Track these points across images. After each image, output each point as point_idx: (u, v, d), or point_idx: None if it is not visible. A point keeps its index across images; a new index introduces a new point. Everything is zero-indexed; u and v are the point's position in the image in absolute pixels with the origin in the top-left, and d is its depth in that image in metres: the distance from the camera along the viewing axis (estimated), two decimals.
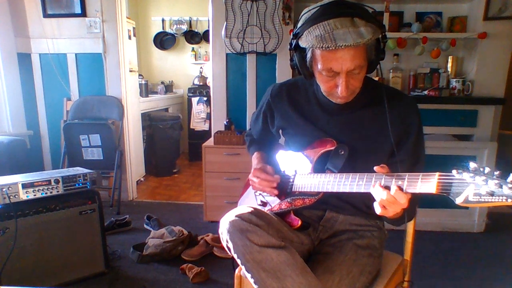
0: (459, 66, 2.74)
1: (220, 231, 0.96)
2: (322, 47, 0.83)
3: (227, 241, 0.92)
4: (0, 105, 2.83)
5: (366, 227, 1.13)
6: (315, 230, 1.14)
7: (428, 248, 2.32)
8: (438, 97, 2.49)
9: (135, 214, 2.73)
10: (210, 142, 2.65)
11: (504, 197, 0.62)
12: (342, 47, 0.82)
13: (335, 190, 0.94)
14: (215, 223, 2.59)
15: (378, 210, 0.83)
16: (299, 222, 1.05)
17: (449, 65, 2.72)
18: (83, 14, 2.88)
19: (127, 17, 3.23)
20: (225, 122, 2.75)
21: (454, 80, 2.60)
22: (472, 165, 0.67)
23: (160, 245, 2.09)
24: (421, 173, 0.76)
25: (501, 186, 0.63)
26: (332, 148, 1.01)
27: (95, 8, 2.86)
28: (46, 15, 2.91)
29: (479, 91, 2.61)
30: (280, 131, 1.22)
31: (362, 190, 0.87)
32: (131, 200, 3.19)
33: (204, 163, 2.52)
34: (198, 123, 4.53)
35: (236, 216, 0.92)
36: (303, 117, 1.10)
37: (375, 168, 0.84)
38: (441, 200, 2.71)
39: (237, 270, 1.19)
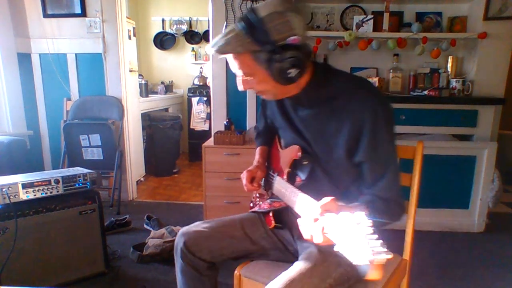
0: (459, 66, 2.74)
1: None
2: (210, 48, 0.91)
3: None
4: (0, 105, 2.83)
5: None
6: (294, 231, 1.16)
7: (428, 248, 2.32)
8: (438, 97, 2.49)
9: (135, 214, 2.73)
10: (210, 142, 2.65)
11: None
12: (209, 51, 0.89)
13: (287, 204, 1.04)
14: None
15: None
16: (272, 224, 1.13)
17: (449, 65, 2.72)
18: (83, 14, 2.88)
19: (127, 17, 3.23)
20: (225, 122, 2.74)
21: (454, 80, 2.60)
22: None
23: (160, 245, 2.09)
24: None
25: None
26: (297, 158, 1.04)
27: (95, 8, 2.86)
28: (46, 15, 2.91)
29: (479, 91, 2.61)
30: (272, 123, 1.26)
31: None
32: (131, 200, 3.19)
33: (204, 163, 2.52)
34: (198, 123, 4.53)
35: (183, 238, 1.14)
36: (281, 111, 1.12)
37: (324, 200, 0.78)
38: (441, 200, 2.72)
39: (236, 270, 1.19)
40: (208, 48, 0.89)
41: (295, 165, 1.07)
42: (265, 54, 0.85)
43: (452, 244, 2.39)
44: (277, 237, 1.19)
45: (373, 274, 0.62)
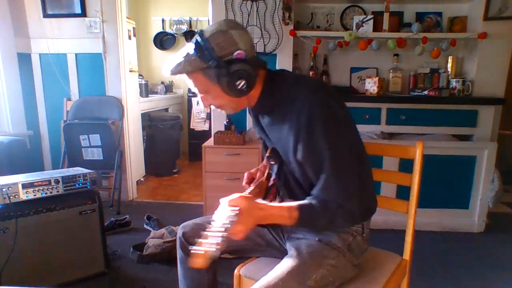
0: (459, 66, 2.75)
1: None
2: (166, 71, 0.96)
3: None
4: (0, 105, 2.83)
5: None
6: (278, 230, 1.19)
7: (428, 248, 2.32)
8: (438, 97, 2.49)
9: (135, 214, 2.73)
10: (210, 142, 2.64)
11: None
12: (165, 73, 0.95)
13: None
14: None
15: None
16: None
17: (449, 65, 2.72)
18: (83, 14, 2.88)
19: (127, 17, 3.23)
20: (225, 122, 2.74)
21: (454, 80, 2.60)
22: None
23: (160, 245, 2.09)
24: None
25: None
26: (268, 155, 1.10)
27: (95, 8, 2.86)
28: (46, 15, 2.91)
29: (479, 91, 2.61)
30: None
31: None
32: (131, 200, 3.19)
33: (204, 163, 2.52)
34: (198, 123, 4.52)
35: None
36: (255, 120, 1.15)
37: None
38: (441, 200, 2.72)
39: (236, 270, 1.19)
40: (164, 71, 0.95)
41: (270, 166, 1.13)
42: (213, 70, 0.91)
43: (452, 244, 2.39)
44: (272, 234, 1.20)
45: (191, 261, 0.71)
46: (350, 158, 0.94)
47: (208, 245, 0.71)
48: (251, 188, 1.11)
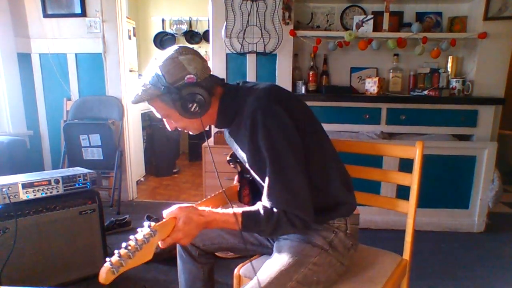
0: (459, 66, 2.75)
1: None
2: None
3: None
4: (0, 105, 2.83)
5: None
6: None
7: (428, 248, 2.32)
8: (438, 97, 2.49)
9: (135, 214, 2.73)
10: (210, 142, 2.65)
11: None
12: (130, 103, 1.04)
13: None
14: None
15: None
16: None
17: (449, 65, 2.72)
18: (83, 14, 2.88)
19: (127, 17, 3.23)
20: None
21: (454, 80, 2.60)
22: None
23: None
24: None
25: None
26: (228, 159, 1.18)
27: (95, 8, 2.86)
28: (46, 15, 2.91)
29: (479, 91, 2.61)
30: None
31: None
32: (131, 200, 3.19)
33: (204, 163, 2.52)
34: None
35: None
36: None
37: None
38: (441, 200, 2.72)
39: (236, 270, 1.19)
40: (130, 101, 1.02)
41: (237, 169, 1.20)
42: (167, 96, 0.96)
43: (452, 244, 2.39)
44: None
45: (99, 276, 0.73)
46: (295, 164, 0.93)
47: (118, 260, 0.73)
48: (213, 194, 1.17)
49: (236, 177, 1.29)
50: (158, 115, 1.05)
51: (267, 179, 0.93)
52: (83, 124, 2.92)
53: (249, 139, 0.95)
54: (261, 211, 0.93)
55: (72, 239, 1.79)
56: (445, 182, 2.52)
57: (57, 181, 1.73)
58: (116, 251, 0.75)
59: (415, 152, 1.17)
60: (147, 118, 3.96)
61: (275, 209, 0.92)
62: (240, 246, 1.22)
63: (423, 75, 2.72)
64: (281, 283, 0.92)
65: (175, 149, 4.19)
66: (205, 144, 2.56)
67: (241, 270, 1.18)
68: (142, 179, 3.75)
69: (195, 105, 0.96)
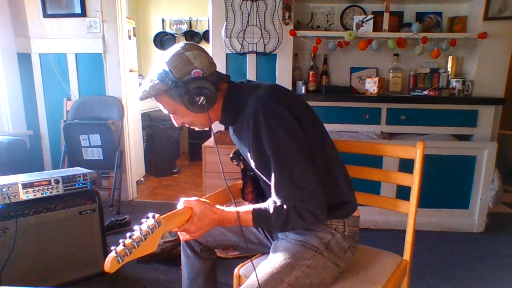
0: (459, 66, 2.75)
1: None
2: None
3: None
4: (0, 105, 2.83)
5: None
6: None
7: (428, 248, 2.32)
8: (438, 97, 2.49)
9: (135, 214, 2.73)
10: (210, 142, 2.65)
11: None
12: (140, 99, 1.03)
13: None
14: None
15: None
16: None
17: (449, 65, 2.72)
18: (83, 14, 2.88)
19: (127, 17, 3.23)
20: None
21: (454, 80, 2.60)
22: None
23: (160, 245, 2.09)
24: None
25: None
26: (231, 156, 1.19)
27: (95, 8, 2.86)
28: (46, 15, 2.91)
29: (479, 91, 2.61)
30: None
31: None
32: (131, 200, 3.19)
33: (204, 163, 2.52)
34: None
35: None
36: None
37: None
38: (441, 200, 2.71)
39: (236, 270, 1.19)
40: (137, 97, 1.04)
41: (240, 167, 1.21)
42: (174, 91, 0.97)
43: (452, 244, 2.39)
44: (264, 233, 1.21)
45: (104, 264, 0.76)
46: (301, 159, 0.93)
47: (123, 249, 0.75)
48: (217, 191, 1.20)
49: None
50: (165, 111, 1.06)
51: (273, 176, 0.93)
52: (83, 124, 2.92)
53: (253, 138, 0.96)
54: (271, 208, 0.94)
55: (72, 239, 1.79)
56: (445, 182, 2.52)
57: (57, 181, 1.73)
58: (121, 241, 0.76)
59: (416, 152, 1.17)
60: (147, 118, 3.96)
61: (284, 205, 0.92)
62: (241, 244, 1.23)
63: (423, 75, 2.72)
64: (273, 286, 0.93)
65: (175, 149, 4.19)
66: (205, 144, 2.56)
67: (241, 270, 1.19)
68: (142, 179, 3.75)
69: (202, 98, 0.97)
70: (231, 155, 1.18)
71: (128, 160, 3.14)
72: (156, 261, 2.08)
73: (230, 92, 1.05)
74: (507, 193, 3.17)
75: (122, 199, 2.98)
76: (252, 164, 1.02)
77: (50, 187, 1.71)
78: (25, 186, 1.64)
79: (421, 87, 2.67)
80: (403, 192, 1.26)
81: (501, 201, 2.81)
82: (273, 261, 0.99)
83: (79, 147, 2.89)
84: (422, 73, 2.73)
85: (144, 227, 0.79)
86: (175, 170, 4.11)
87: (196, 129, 1.13)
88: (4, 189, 1.58)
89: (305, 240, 1.02)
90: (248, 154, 1.02)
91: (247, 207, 0.97)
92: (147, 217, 0.82)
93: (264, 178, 1.01)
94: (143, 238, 0.77)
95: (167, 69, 0.96)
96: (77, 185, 1.79)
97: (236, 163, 1.17)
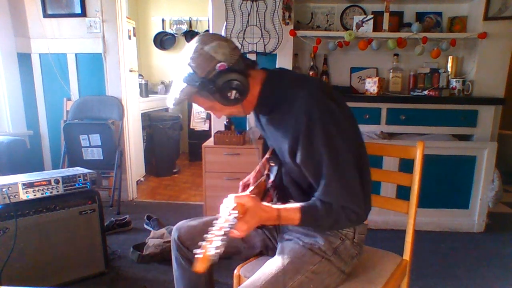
0: (459, 66, 2.75)
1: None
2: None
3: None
4: (0, 105, 2.83)
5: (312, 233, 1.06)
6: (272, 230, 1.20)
7: (428, 248, 2.32)
8: (438, 97, 2.49)
9: (135, 214, 2.73)
10: (210, 142, 2.65)
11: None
12: (169, 105, 1.00)
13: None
14: None
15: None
16: None
17: (449, 65, 2.72)
18: (83, 14, 2.88)
19: (127, 17, 3.23)
20: (225, 122, 2.74)
21: (454, 80, 2.60)
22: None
23: (160, 245, 2.09)
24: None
25: None
26: (268, 159, 1.12)
27: (95, 8, 2.86)
28: (46, 15, 2.91)
29: (479, 91, 2.61)
30: None
31: None
32: (131, 200, 3.19)
33: (204, 163, 2.52)
34: (198, 123, 4.53)
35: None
36: (257, 119, 1.17)
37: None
38: (441, 200, 2.71)
39: (236, 270, 1.19)
40: (167, 103, 1.00)
41: (269, 167, 1.13)
42: (204, 90, 0.93)
43: (452, 244, 2.39)
44: (266, 235, 1.20)
45: (195, 266, 0.70)
46: (350, 159, 0.93)
47: (210, 248, 0.71)
48: (251, 188, 1.11)
49: (255, 176, 1.25)
50: (200, 108, 1.05)
51: (325, 175, 0.92)
52: (83, 124, 2.92)
53: (305, 134, 0.92)
54: (320, 207, 0.92)
55: (72, 239, 1.79)
56: (445, 182, 2.52)
57: (57, 181, 1.73)
58: (211, 243, 0.72)
59: (416, 152, 1.17)
60: (147, 118, 3.96)
61: (334, 205, 0.92)
62: (242, 249, 1.20)
63: (423, 75, 2.72)
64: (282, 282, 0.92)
65: (175, 149, 4.19)
66: (205, 144, 2.56)
67: (241, 270, 1.18)
68: (142, 179, 3.75)
69: (234, 92, 0.93)
70: (268, 156, 1.11)
71: (128, 160, 3.14)
72: (156, 261, 2.08)
73: (269, 82, 1.01)
74: (507, 193, 3.17)
75: (122, 199, 2.98)
76: (298, 158, 0.96)
77: (50, 187, 1.71)
78: (25, 186, 1.64)
79: (421, 87, 2.67)
80: (403, 192, 1.26)
81: (501, 201, 2.80)
82: (279, 262, 0.98)
83: (79, 147, 2.89)
84: (422, 73, 2.73)
85: (227, 227, 0.76)
86: (175, 170, 4.11)
87: (236, 116, 1.09)
88: (4, 189, 1.58)
89: (314, 243, 1.01)
90: (287, 148, 0.97)
91: (291, 205, 0.94)
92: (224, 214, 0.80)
93: (307, 174, 0.98)
94: (226, 239, 0.75)
95: (191, 70, 0.92)
96: (77, 185, 1.79)
97: (273, 164, 1.10)
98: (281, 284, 0.93)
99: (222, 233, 0.74)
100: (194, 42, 0.95)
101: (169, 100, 0.98)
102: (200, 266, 0.70)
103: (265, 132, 1.11)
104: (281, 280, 0.93)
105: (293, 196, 1.06)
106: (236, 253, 1.22)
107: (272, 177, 1.10)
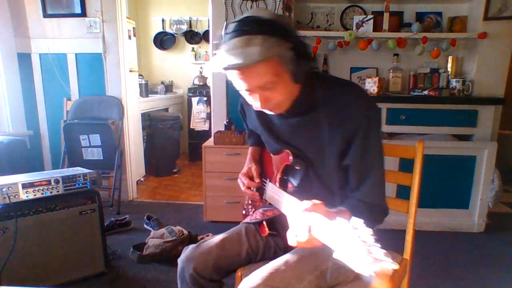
0: (459, 66, 2.75)
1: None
2: (221, 67, 0.81)
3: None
4: (0, 105, 2.83)
5: None
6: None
7: (428, 248, 2.32)
8: (438, 97, 2.49)
9: (135, 214, 2.73)
10: (210, 142, 2.65)
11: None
12: (234, 67, 0.80)
13: (280, 212, 1.01)
14: (215, 223, 2.59)
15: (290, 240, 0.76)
16: (266, 232, 1.13)
17: (449, 65, 2.72)
18: (83, 14, 2.88)
19: (127, 17, 3.23)
20: (225, 122, 2.74)
21: (454, 80, 2.60)
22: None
23: (160, 245, 2.09)
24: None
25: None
26: (289, 163, 1.02)
27: (95, 8, 2.86)
28: (46, 15, 2.91)
29: (479, 91, 2.61)
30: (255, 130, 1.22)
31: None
32: (131, 200, 3.19)
33: (204, 163, 2.52)
34: (198, 123, 4.53)
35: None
36: (261, 121, 1.09)
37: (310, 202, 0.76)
38: (441, 200, 2.71)
39: (237, 271, 1.18)
40: (226, 65, 0.79)
41: (287, 171, 1.05)
42: (291, 52, 0.81)
43: (452, 244, 2.39)
44: (275, 243, 1.18)
45: (379, 284, 0.61)
46: (384, 160, 0.98)
47: (385, 263, 0.56)
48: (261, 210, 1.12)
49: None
50: (253, 88, 0.85)
51: (371, 180, 0.94)
52: (83, 124, 2.92)
53: (363, 136, 0.90)
54: (361, 205, 0.94)
55: (72, 239, 1.79)
56: (445, 182, 2.52)
57: (57, 181, 1.73)
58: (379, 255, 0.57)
59: (415, 152, 1.17)
60: (147, 118, 3.96)
61: (374, 205, 0.95)
62: (254, 258, 1.17)
63: (423, 75, 2.72)
64: (308, 270, 0.94)
65: (175, 149, 4.19)
66: (205, 144, 2.56)
67: (242, 271, 1.18)
68: (142, 179, 3.75)
69: (309, 68, 0.87)
70: (293, 159, 1.02)
71: (128, 160, 3.14)
72: (156, 261, 2.08)
73: (310, 79, 0.92)
74: (507, 193, 3.17)
75: (122, 199, 2.98)
76: (349, 159, 0.92)
77: (50, 187, 1.71)
78: (25, 186, 1.64)
79: (421, 87, 2.67)
80: (403, 192, 1.26)
81: (501, 201, 2.81)
82: (307, 250, 0.96)
83: (79, 147, 2.89)
84: (422, 73, 2.73)
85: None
86: (175, 170, 4.11)
87: (272, 113, 0.95)
88: (4, 189, 1.58)
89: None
90: (335, 150, 0.93)
91: (338, 209, 0.87)
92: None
93: (331, 176, 0.98)
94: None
95: (282, 24, 0.79)
96: (77, 185, 1.79)
97: (298, 167, 1.02)
98: (314, 267, 0.94)
99: (369, 241, 0.60)
100: (265, 11, 0.83)
101: (235, 59, 0.77)
102: (381, 284, 0.59)
103: (279, 136, 1.04)
104: (313, 264, 0.95)
105: (319, 198, 1.03)
106: (249, 263, 1.18)
107: (295, 182, 1.03)
